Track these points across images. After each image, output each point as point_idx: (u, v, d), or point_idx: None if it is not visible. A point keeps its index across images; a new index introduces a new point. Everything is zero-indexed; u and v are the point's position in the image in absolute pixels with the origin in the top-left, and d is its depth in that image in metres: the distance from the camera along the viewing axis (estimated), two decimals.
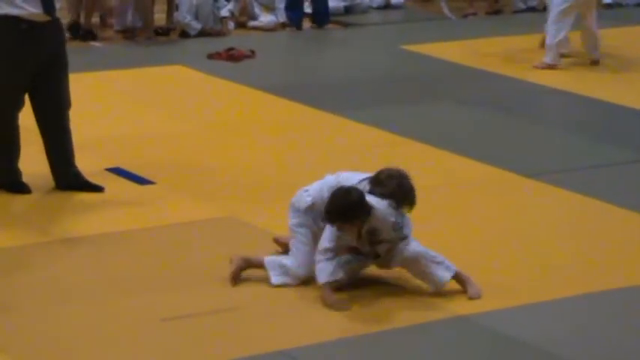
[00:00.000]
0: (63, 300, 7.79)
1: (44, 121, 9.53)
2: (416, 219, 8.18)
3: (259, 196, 9.52)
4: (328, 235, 7.78)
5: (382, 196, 7.80)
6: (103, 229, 8.85)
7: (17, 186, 9.58)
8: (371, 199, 7.71)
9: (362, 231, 7.73)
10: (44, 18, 9.17)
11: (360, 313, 7.74)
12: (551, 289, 8.14)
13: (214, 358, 7.13)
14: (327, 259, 7.73)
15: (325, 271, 7.73)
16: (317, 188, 7.85)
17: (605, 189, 9.73)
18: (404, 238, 7.86)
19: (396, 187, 7.85)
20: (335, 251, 7.82)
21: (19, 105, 9.43)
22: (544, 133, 11.35)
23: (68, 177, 9.68)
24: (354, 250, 8.01)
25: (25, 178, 9.65)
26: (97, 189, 9.55)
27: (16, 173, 9.61)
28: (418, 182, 8.57)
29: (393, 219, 7.76)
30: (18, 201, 9.48)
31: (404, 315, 7.76)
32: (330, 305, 7.64)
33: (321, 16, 15.14)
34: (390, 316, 7.74)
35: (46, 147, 9.72)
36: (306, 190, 7.95)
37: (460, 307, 7.84)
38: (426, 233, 8.29)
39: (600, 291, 8.02)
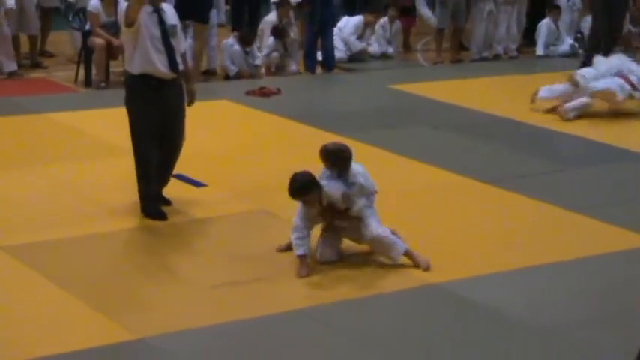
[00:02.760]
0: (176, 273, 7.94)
1: (163, 152, 9.11)
2: (398, 215, 8.39)
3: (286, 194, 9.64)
4: (298, 213, 7.81)
5: (329, 170, 7.88)
6: (168, 219, 8.91)
7: (158, 213, 9.05)
8: (323, 179, 7.80)
9: (323, 204, 7.76)
10: (170, 75, 8.89)
11: (334, 282, 7.69)
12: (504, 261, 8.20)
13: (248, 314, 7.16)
14: (299, 237, 7.74)
15: (298, 246, 7.76)
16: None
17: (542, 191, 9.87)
18: (359, 207, 7.80)
19: (335, 161, 7.91)
20: (306, 227, 7.79)
21: (154, 141, 8.96)
22: (495, 149, 11.38)
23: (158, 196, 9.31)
24: (328, 226, 8.00)
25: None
26: (167, 203, 9.27)
27: (161, 199, 9.27)
28: (400, 188, 8.63)
29: (341, 191, 7.71)
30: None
31: (378, 283, 7.70)
32: (300, 276, 7.69)
33: (330, 64, 15.09)
34: (364, 283, 7.68)
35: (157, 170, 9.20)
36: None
37: (429, 275, 7.80)
38: (405, 223, 8.46)
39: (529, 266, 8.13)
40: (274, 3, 15.94)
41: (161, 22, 8.81)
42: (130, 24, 8.65)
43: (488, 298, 7.50)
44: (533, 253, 8.43)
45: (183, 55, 9.10)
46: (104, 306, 7.15)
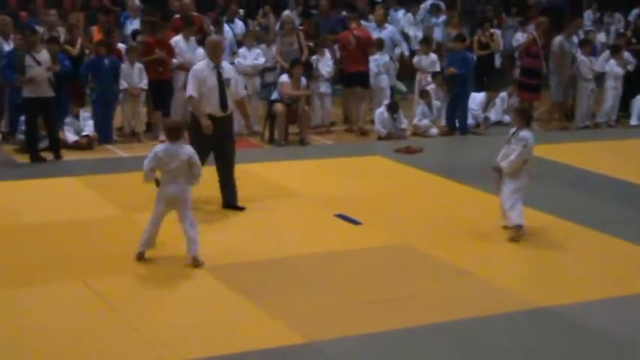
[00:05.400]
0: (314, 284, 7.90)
1: (222, 170, 10.01)
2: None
3: (424, 230, 9.47)
4: None
5: None
6: (332, 248, 8.92)
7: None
8: None
9: None
10: (222, 114, 9.78)
11: (440, 303, 7.48)
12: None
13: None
14: None
15: None
16: None
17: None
18: None
19: None
20: None
21: (207, 158, 9.68)
22: (597, 201, 11.03)
23: (231, 204, 10.04)
24: None
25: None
26: (240, 209, 9.97)
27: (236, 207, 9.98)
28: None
29: None
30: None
31: (486, 305, 7.45)
32: None
33: (463, 128, 14.83)
34: (473, 306, 7.45)
35: (220, 184, 10.06)
36: None
37: (541, 298, 7.55)
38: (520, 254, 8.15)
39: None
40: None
41: (219, 75, 9.76)
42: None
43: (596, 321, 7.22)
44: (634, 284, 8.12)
45: (238, 99, 10.14)
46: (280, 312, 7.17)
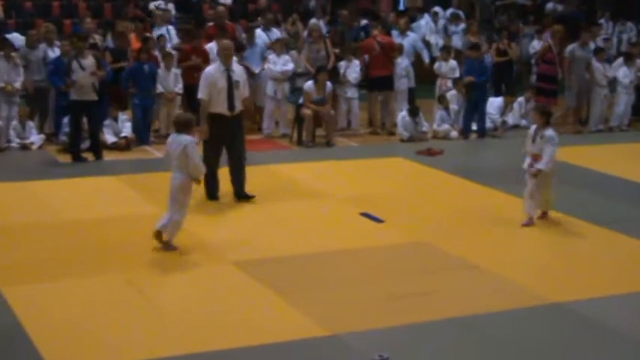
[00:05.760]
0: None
1: (232, 163, 10.20)
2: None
3: (444, 228, 9.55)
4: None
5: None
6: (356, 245, 8.95)
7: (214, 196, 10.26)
8: None
9: None
10: (230, 113, 10.01)
11: (457, 298, 7.49)
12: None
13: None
14: None
15: None
16: None
17: None
18: None
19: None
20: None
21: (220, 154, 10.19)
22: (607, 200, 11.00)
23: (241, 194, 10.31)
24: None
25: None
26: (250, 197, 10.30)
27: (243, 194, 10.33)
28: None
29: None
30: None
31: (501, 300, 7.44)
32: None
33: (482, 132, 14.80)
34: (488, 300, 7.44)
35: (231, 177, 10.33)
36: None
37: (554, 294, 7.54)
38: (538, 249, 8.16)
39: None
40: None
41: (229, 78, 10.03)
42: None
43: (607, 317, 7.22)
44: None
45: (244, 99, 10.34)
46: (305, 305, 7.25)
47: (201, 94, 10.13)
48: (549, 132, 9.38)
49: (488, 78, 15.11)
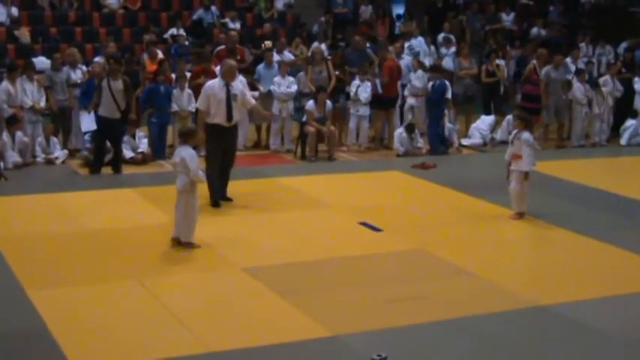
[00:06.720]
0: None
1: (222, 168, 10.37)
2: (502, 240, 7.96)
3: (438, 236, 9.45)
4: None
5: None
6: (356, 252, 8.85)
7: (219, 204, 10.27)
8: None
9: None
10: (228, 124, 10.21)
11: (451, 301, 7.38)
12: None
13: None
14: None
15: None
16: None
17: None
18: None
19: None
20: None
21: (219, 159, 10.25)
22: (588, 212, 10.96)
23: (223, 196, 10.41)
24: None
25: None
26: (229, 200, 10.41)
27: (225, 197, 10.41)
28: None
29: None
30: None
31: (492, 303, 7.34)
32: None
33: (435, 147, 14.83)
34: (480, 304, 7.35)
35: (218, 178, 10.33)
36: None
37: (541, 297, 7.44)
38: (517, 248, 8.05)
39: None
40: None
41: (227, 91, 10.22)
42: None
43: (592, 319, 7.12)
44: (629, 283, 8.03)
45: (254, 106, 10.82)
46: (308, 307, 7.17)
47: (198, 104, 10.50)
48: (525, 135, 9.84)
49: (441, 95, 14.53)
